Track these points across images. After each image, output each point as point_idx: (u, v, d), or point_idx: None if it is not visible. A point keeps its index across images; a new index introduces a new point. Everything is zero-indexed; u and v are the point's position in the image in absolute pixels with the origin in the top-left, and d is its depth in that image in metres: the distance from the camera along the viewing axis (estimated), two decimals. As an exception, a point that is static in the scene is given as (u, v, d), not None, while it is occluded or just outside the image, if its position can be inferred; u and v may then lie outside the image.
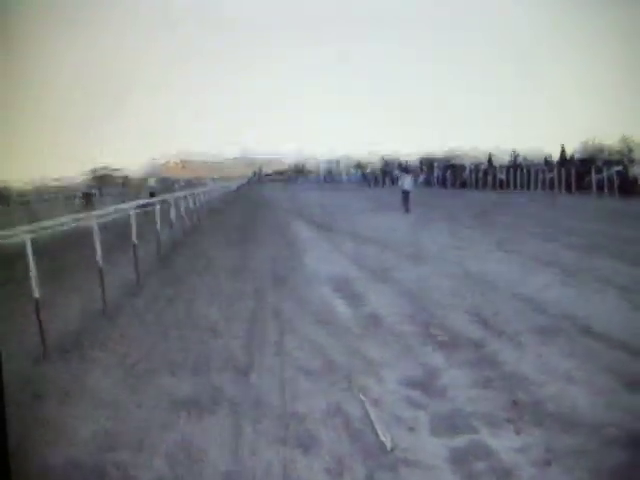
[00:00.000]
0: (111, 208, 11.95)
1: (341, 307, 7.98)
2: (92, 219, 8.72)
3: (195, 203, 23.92)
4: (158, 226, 13.09)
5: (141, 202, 15.25)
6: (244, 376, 5.34)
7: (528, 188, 40.61)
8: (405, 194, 24.82)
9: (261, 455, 3.89)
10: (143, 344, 6.45)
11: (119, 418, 4.49)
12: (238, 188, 59.33)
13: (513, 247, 12.82)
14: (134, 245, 10.33)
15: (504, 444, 3.99)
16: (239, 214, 26.97)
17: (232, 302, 8.40)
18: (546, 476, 3.63)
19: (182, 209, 19.27)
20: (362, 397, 4.78)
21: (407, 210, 23.90)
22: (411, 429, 4.26)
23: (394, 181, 47.53)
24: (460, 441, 4.07)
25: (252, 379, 5.28)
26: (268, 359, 5.82)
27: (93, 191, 53.58)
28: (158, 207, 13.69)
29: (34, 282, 5.89)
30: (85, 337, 6.75)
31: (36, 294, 5.91)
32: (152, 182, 34.08)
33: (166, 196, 18.41)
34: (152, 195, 25.28)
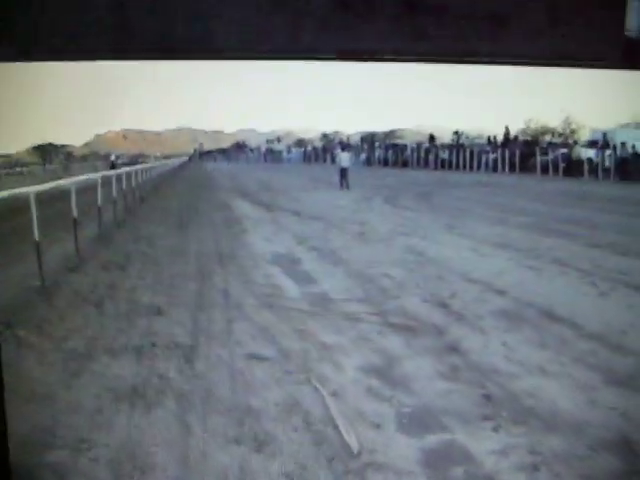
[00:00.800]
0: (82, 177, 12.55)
1: (291, 290, 7.73)
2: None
3: (141, 178, 23.44)
4: (99, 202, 12.48)
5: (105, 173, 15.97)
6: (189, 363, 5.05)
7: (471, 168, 40.96)
8: (343, 171, 24.82)
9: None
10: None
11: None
12: (181, 165, 58.71)
13: (457, 226, 12.79)
14: (74, 220, 9.90)
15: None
16: (183, 190, 26.33)
17: (175, 283, 8.05)
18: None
19: (128, 184, 18.78)
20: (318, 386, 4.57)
21: (347, 187, 23.90)
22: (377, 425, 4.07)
23: (334, 159, 47.41)
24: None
25: (198, 367, 4.99)
26: (215, 345, 5.54)
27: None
28: (99, 184, 13.02)
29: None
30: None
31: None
32: (113, 157, 37.35)
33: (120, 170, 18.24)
34: (113, 167, 26.80)
